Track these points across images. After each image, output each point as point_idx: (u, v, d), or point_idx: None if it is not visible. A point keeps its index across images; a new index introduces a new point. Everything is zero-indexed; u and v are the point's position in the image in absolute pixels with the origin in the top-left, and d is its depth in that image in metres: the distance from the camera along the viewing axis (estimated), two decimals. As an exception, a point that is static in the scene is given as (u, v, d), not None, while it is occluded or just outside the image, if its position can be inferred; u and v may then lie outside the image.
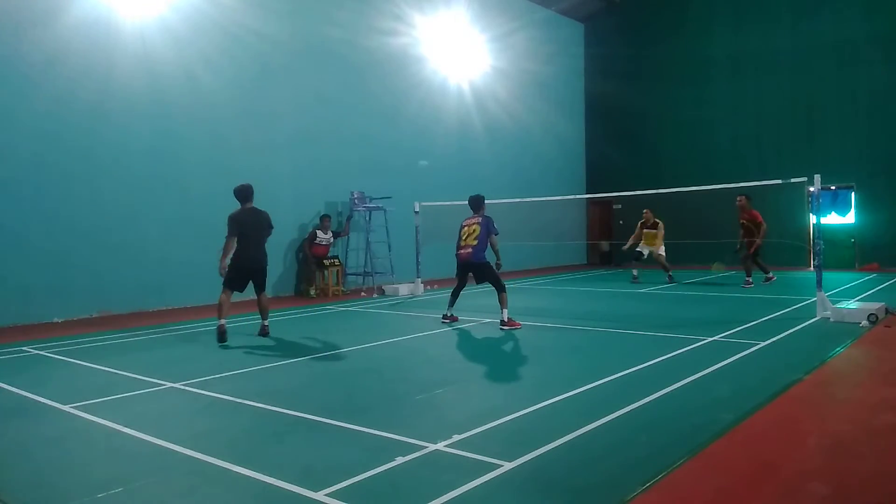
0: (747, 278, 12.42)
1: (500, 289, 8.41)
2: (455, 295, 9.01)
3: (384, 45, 14.83)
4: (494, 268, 8.48)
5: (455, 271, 8.84)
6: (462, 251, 8.59)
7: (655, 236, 13.91)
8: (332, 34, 13.69)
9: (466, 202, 8.95)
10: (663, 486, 3.16)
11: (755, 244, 12.27)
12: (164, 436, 4.08)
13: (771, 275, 12.58)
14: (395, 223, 13.95)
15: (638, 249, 14.14)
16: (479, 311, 9.48)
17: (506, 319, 8.22)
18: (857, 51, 16.25)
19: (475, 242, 8.45)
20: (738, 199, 12.45)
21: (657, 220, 13.98)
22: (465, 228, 8.68)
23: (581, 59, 21.41)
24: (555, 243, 18.35)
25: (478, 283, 8.87)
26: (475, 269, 8.57)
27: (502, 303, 8.34)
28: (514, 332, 7.94)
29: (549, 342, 7.47)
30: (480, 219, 8.61)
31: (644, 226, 14.07)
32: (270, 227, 7.86)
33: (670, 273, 13.79)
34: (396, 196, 13.79)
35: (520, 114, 18.53)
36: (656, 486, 3.15)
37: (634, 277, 14.14)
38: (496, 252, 8.56)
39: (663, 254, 13.93)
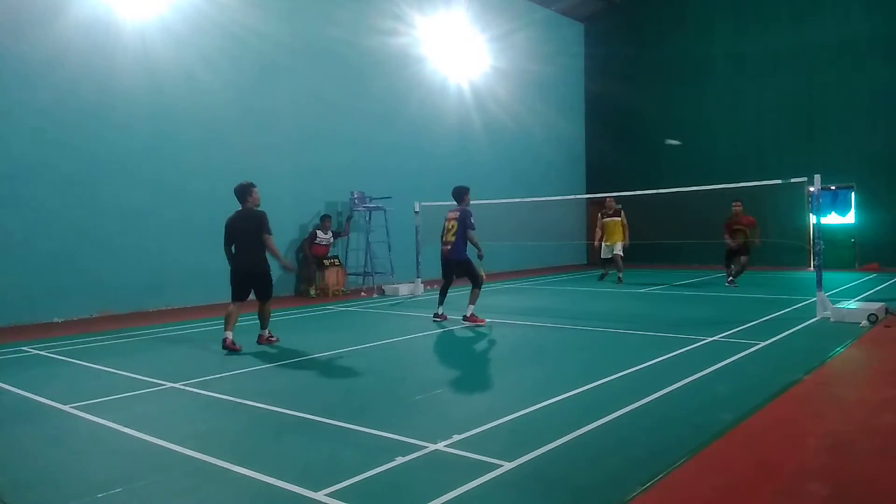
0: (731, 277, 12.45)
1: (476, 285, 8.61)
2: (443, 293, 9.06)
3: (384, 45, 14.83)
4: (476, 258, 8.53)
5: (440, 267, 8.91)
6: (443, 247, 8.69)
7: (617, 226, 13.55)
8: (332, 34, 13.69)
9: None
10: (663, 486, 3.17)
11: (752, 246, 12.34)
12: (164, 436, 4.08)
13: (735, 280, 12.52)
14: (395, 223, 13.95)
15: (603, 257, 13.97)
16: (480, 311, 9.46)
17: (468, 315, 8.44)
18: (857, 51, 16.25)
19: (453, 238, 8.54)
20: (734, 204, 12.41)
21: (619, 208, 13.71)
22: (447, 223, 8.74)
23: (581, 59, 21.40)
24: (555, 243, 18.34)
25: (457, 278, 8.91)
26: (454, 265, 8.66)
27: (472, 298, 8.53)
28: (514, 332, 7.93)
29: (549, 342, 7.48)
30: (459, 213, 8.62)
31: (605, 215, 13.78)
32: (260, 228, 7.02)
33: (620, 275, 13.68)
34: (396, 196, 13.79)
35: (520, 114, 18.52)
36: (656, 486, 3.15)
37: (604, 275, 14.18)
38: (475, 245, 8.51)
39: (622, 254, 13.66)
